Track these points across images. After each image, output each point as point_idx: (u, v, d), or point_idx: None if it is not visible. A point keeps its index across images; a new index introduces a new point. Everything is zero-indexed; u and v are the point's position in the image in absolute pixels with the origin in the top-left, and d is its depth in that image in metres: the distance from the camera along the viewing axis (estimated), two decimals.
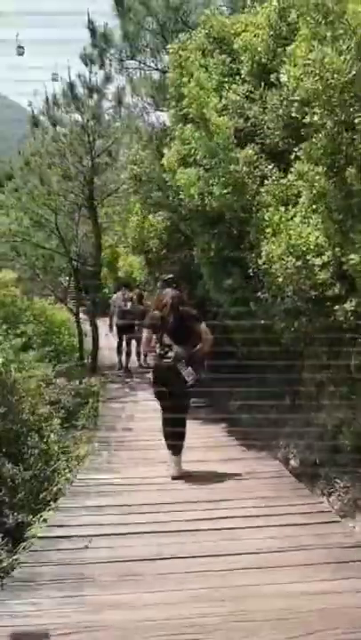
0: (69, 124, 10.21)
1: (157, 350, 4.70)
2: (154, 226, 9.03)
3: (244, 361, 8.05)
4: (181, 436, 4.82)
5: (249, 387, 7.63)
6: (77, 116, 10.21)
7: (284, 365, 7.10)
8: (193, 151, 6.01)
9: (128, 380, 10.09)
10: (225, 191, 5.48)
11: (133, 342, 10.49)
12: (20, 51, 19.72)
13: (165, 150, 6.71)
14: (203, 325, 4.73)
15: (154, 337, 4.76)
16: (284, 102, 5.35)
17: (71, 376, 9.49)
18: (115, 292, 11.65)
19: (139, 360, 10.72)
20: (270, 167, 5.37)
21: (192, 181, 5.66)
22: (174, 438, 4.78)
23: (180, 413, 4.80)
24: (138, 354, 10.50)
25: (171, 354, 4.57)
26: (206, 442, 6.40)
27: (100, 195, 11.19)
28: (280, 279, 4.66)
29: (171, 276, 5.22)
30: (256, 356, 7.76)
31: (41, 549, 3.52)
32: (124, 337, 10.50)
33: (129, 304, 10.40)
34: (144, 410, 7.57)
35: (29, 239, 10.77)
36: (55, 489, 5.32)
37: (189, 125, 5.93)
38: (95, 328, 11.35)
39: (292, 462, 5.41)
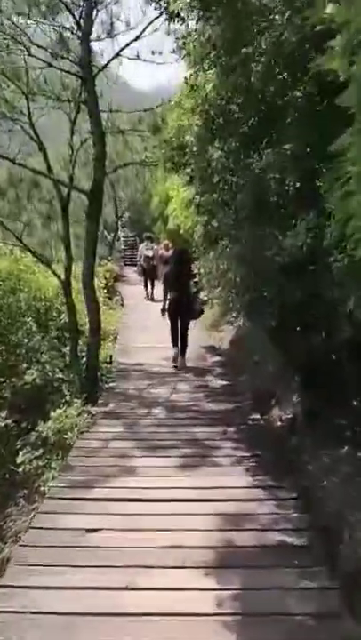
0: None
1: (174, 291, 7.23)
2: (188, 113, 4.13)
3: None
4: (184, 340, 7.49)
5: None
6: None
7: None
8: None
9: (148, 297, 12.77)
10: None
11: (155, 282, 12.73)
12: None
13: None
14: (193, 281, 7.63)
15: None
16: None
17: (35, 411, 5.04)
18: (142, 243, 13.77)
19: (148, 295, 13.10)
20: None
21: None
22: (177, 340, 7.48)
23: (183, 328, 7.44)
24: (149, 292, 13.10)
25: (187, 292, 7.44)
26: None
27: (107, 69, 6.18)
28: None
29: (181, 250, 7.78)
30: None
31: None
32: (148, 278, 13.05)
33: (151, 252, 12.81)
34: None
35: None
36: None
37: None
38: (95, 307, 6.34)
39: None
